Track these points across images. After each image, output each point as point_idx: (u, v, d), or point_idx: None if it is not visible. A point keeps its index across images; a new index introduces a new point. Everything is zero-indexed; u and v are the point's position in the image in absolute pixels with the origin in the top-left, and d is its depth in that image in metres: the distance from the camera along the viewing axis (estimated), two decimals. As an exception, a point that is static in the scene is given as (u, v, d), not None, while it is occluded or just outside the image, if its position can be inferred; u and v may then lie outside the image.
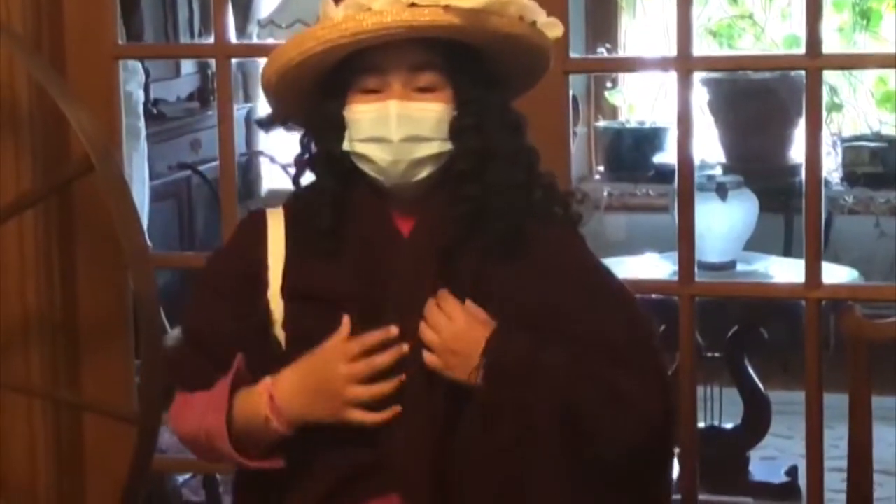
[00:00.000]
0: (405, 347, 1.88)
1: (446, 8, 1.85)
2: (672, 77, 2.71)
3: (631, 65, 4.26)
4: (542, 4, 1.94)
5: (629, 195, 5.71)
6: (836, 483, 2.65)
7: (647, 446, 1.88)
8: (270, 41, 4.24)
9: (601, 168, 5.78)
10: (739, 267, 4.30)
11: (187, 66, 6.32)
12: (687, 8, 2.63)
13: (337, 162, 1.95)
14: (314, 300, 1.94)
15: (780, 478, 4.25)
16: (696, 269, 2.74)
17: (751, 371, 4.30)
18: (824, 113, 2.96)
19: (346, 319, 1.89)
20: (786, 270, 4.24)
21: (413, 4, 1.85)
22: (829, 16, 5.30)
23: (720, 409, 4.31)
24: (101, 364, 2.96)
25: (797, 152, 4.97)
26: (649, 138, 5.49)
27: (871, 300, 3.16)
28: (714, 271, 4.18)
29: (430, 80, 1.91)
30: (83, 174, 2.63)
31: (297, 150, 2.02)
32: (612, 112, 6.18)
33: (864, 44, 5.66)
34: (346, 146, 1.93)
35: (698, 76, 4.24)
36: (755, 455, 4.36)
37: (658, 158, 5.37)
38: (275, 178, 6.22)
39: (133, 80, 4.28)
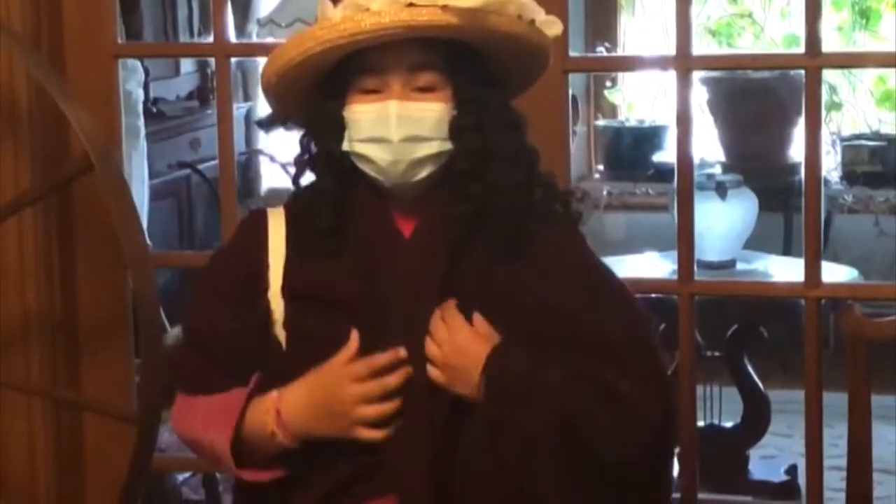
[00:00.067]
0: (411, 369, 1.88)
1: (444, 8, 1.85)
2: (671, 76, 2.71)
3: (630, 64, 4.26)
4: (541, 3, 1.94)
5: (629, 194, 5.72)
6: (835, 482, 2.65)
7: (648, 446, 1.88)
8: (270, 40, 4.24)
9: (601, 167, 5.78)
10: (739, 266, 4.30)
11: (187, 64, 6.32)
12: (686, 7, 2.63)
13: (337, 162, 1.95)
14: (315, 300, 1.94)
15: (779, 476, 4.25)
16: (695, 268, 2.74)
17: (750, 370, 4.31)
18: (824, 112, 2.97)
19: (354, 335, 1.89)
20: (785, 269, 4.24)
21: (411, 4, 1.85)
22: (828, 15, 5.31)
23: (720, 408, 4.31)
24: (101, 363, 2.96)
25: (796, 151, 4.97)
26: (649, 137, 5.49)
27: (870, 299, 3.17)
28: (713, 270, 4.18)
29: (429, 79, 1.90)
30: (83, 173, 2.63)
31: (296, 149, 2.02)
32: (612, 111, 6.19)
33: (864, 43, 5.67)
34: (345, 146, 1.93)
35: (697, 75, 4.24)
36: (755, 454, 4.36)
37: (657, 157, 5.37)
38: (274, 176, 6.22)
39: (132, 79, 4.28)
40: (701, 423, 3.96)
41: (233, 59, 2.95)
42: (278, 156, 5.82)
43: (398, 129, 1.88)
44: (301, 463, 1.93)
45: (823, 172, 2.84)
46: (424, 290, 1.90)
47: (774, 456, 4.51)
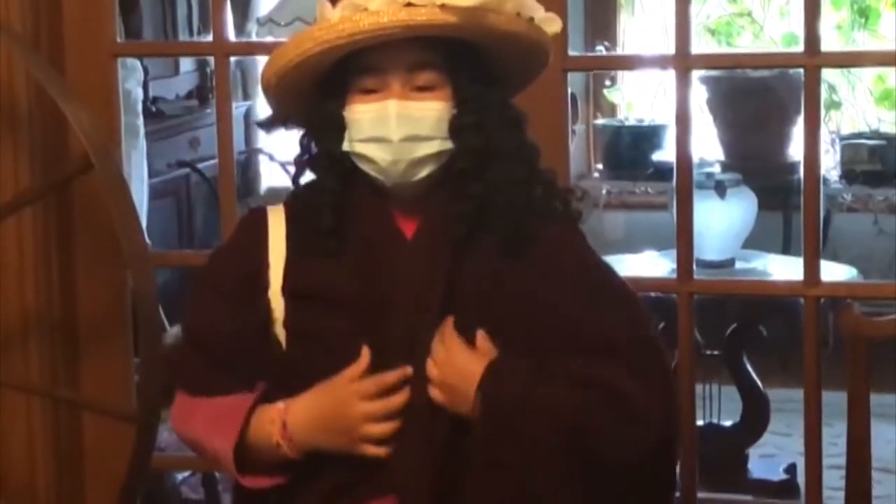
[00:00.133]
0: (411, 390, 1.89)
1: (443, 7, 1.84)
2: (671, 75, 2.71)
3: (629, 63, 4.27)
4: (541, 2, 1.94)
5: (628, 193, 5.72)
6: (834, 481, 2.65)
7: (653, 446, 1.87)
8: (269, 39, 4.24)
9: (600, 166, 5.78)
10: (738, 265, 4.30)
11: (186, 63, 6.32)
12: (685, 6, 2.63)
13: (337, 162, 1.94)
14: (315, 299, 1.94)
15: (778, 475, 4.26)
16: (694, 266, 2.74)
17: (749, 369, 4.31)
18: (823, 111, 2.97)
19: (365, 352, 1.89)
20: (784, 268, 4.24)
21: (409, 4, 1.84)
22: (827, 14, 5.31)
23: (719, 407, 4.31)
24: (100, 362, 2.96)
25: (796, 150, 4.97)
26: (648, 136, 5.49)
27: (869, 298, 3.16)
28: (713, 269, 4.18)
29: (428, 78, 1.90)
30: (82, 172, 2.63)
31: (296, 148, 2.02)
32: (611, 110, 6.19)
33: (863, 42, 5.67)
34: (345, 146, 1.93)
35: (697, 74, 4.24)
36: (754, 453, 4.36)
37: (657, 156, 5.38)
38: (274, 176, 6.22)
39: (132, 78, 4.28)
40: (700, 422, 3.97)
41: (232, 58, 2.95)
42: (278, 155, 5.83)
43: (398, 128, 1.88)
44: (303, 468, 1.93)
45: (822, 171, 2.84)
46: (427, 290, 1.90)
47: (774, 455, 4.51)
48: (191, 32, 6.27)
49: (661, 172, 5.09)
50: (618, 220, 5.72)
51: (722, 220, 4.25)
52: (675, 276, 2.76)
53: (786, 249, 5.04)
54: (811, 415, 2.66)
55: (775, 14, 5.83)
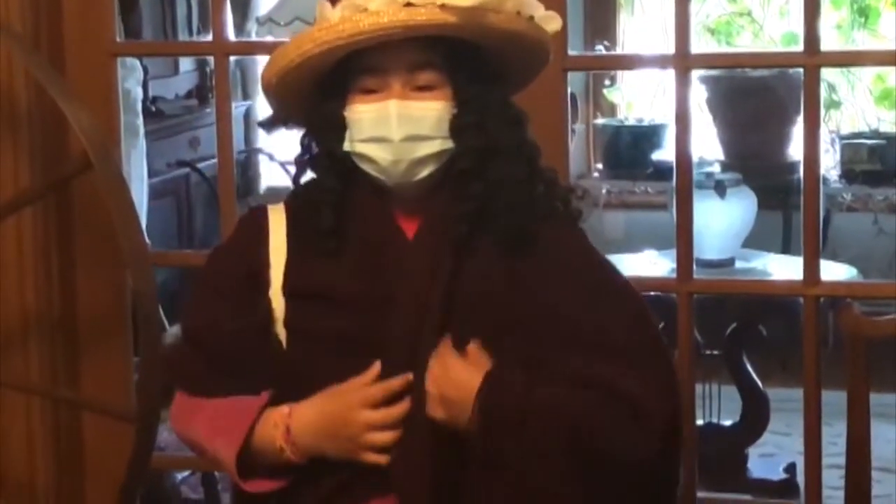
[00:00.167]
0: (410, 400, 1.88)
1: (443, 6, 1.84)
2: (670, 74, 2.71)
3: (629, 62, 4.26)
4: (541, 1, 1.94)
5: (628, 193, 5.72)
6: (834, 480, 2.65)
7: (657, 446, 1.86)
8: (269, 39, 4.24)
9: (600, 166, 5.78)
10: (738, 264, 4.30)
11: (186, 63, 6.32)
12: (685, 5, 2.63)
13: (338, 162, 1.94)
14: (316, 299, 1.94)
15: (778, 475, 4.26)
16: (694, 266, 2.74)
17: (749, 368, 4.31)
18: (822, 110, 2.97)
19: (376, 364, 1.88)
20: (784, 268, 4.24)
21: (409, 4, 1.84)
22: (827, 13, 5.31)
23: (718, 407, 4.31)
24: (100, 362, 2.96)
25: (795, 150, 4.97)
26: (648, 136, 5.49)
27: (869, 297, 3.16)
28: (712, 269, 4.18)
29: (429, 78, 1.90)
30: (82, 172, 2.63)
31: (296, 148, 2.02)
32: (611, 109, 6.19)
33: (863, 41, 5.67)
34: (346, 146, 1.92)
35: (696, 73, 4.24)
36: (754, 452, 4.36)
37: (656, 156, 5.37)
38: (273, 175, 6.23)
39: (131, 78, 4.28)
40: (700, 422, 3.97)
41: (232, 58, 2.95)
42: (277, 154, 5.83)
43: (399, 128, 1.88)
44: (304, 470, 1.93)
45: (822, 171, 2.84)
46: (429, 290, 1.90)
47: (773, 454, 4.51)
48: (190, 32, 6.27)
49: (661, 172, 5.08)
50: (617, 220, 5.71)
51: (722, 220, 4.25)
52: (674, 275, 2.76)
53: (785, 249, 5.04)
54: (811, 414, 2.66)
55: (775, 13, 5.83)
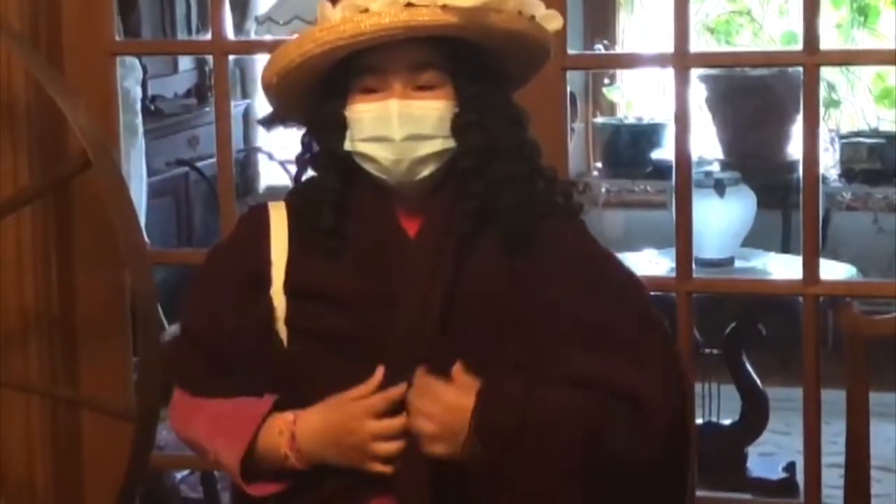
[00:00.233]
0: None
1: (444, 7, 1.84)
2: (670, 73, 2.71)
3: (629, 61, 4.26)
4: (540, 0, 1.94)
5: (627, 192, 5.72)
6: (833, 479, 2.64)
7: (661, 437, 1.84)
8: (268, 38, 4.24)
9: (599, 164, 5.77)
10: (737, 263, 4.30)
11: (185, 62, 6.32)
12: (684, 4, 2.63)
13: (339, 161, 1.94)
14: (317, 297, 1.94)
15: (777, 474, 4.25)
16: (693, 265, 2.74)
17: (749, 367, 4.30)
18: (822, 109, 2.97)
19: (379, 370, 1.87)
20: (784, 267, 4.24)
21: (410, 4, 1.84)
22: (826, 12, 5.31)
23: (718, 406, 4.31)
24: (99, 361, 2.96)
25: (795, 149, 4.97)
26: (647, 135, 5.49)
27: (868, 296, 3.17)
28: (712, 268, 4.18)
29: (430, 78, 1.90)
30: (81, 171, 2.63)
31: (295, 147, 2.02)
32: (610, 108, 6.19)
33: (862, 40, 5.67)
34: (347, 146, 1.92)
35: (696, 72, 4.23)
36: (753, 451, 4.36)
37: (656, 155, 5.37)
38: (273, 174, 6.22)
39: (131, 77, 4.29)
40: (699, 421, 3.97)
41: (231, 57, 2.94)
42: (276, 153, 5.83)
43: (400, 127, 1.88)
44: (305, 474, 1.92)
45: (822, 170, 2.84)
46: (431, 290, 1.89)
47: (773, 453, 4.51)
48: (189, 31, 6.27)
49: (661, 171, 5.08)
50: (617, 219, 5.71)
51: (721, 219, 4.24)
52: (674, 274, 2.76)
53: (785, 248, 5.04)
54: (810, 413, 2.66)
55: (774, 12, 5.83)
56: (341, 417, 1.88)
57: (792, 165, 4.82)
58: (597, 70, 5.90)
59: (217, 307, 1.99)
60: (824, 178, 4.92)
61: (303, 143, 2.01)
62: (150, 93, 5.77)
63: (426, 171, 1.91)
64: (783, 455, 4.42)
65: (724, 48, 5.72)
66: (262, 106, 6.26)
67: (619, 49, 6.09)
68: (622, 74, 6.07)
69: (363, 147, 1.91)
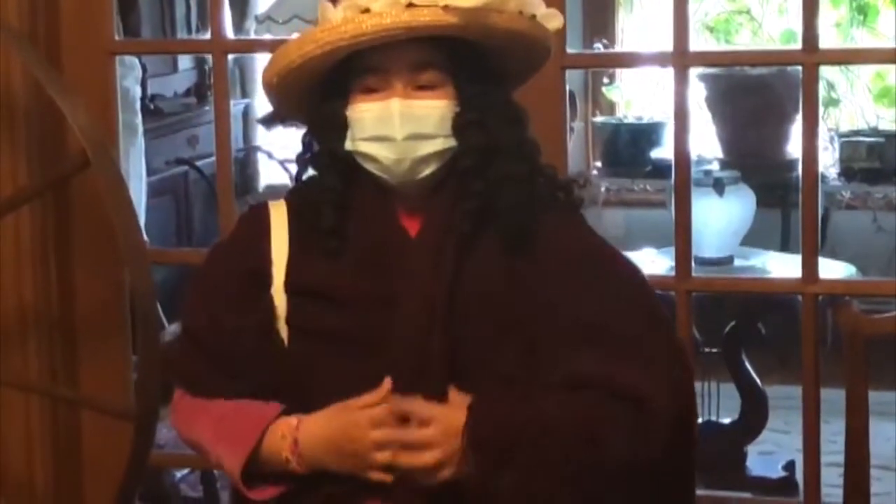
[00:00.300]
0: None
1: (445, 8, 1.84)
2: (669, 72, 2.71)
3: (628, 60, 4.26)
4: (540, -1, 1.94)
5: (626, 190, 5.72)
6: (833, 478, 2.64)
7: (663, 434, 1.84)
8: (267, 37, 4.24)
9: (598, 163, 5.78)
10: (736, 262, 4.30)
11: (184, 61, 6.32)
12: (684, 3, 2.63)
13: (339, 160, 1.94)
14: (318, 296, 1.94)
15: (777, 472, 4.25)
16: (693, 264, 2.74)
17: (748, 366, 4.30)
18: (821, 108, 2.97)
19: (387, 381, 1.86)
20: (783, 265, 4.24)
21: (411, 5, 1.85)
22: (826, 11, 5.30)
23: (717, 405, 4.31)
24: (99, 360, 2.96)
25: (794, 147, 4.97)
26: (646, 134, 5.49)
27: (868, 295, 3.17)
28: (711, 266, 4.18)
29: (431, 78, 1.90)
30: (80, 170, 2.63)
31: (294, 145, 2.02)
32: (610, 107, 6.19)
33: (862, 39, 5.67)
34: (349, 145, 1.92)
35: (695, 71, 4.24)
36: (753, 450, 4.36)
37: (655, 154, 5.37)
38: (272, 173, 6.22)
39: (130, 76, 4.29)
40: (699, 420, 3.96)
41: (230, 56, 2.94)
42: (276, 152, 5.83)
43: (401, 127, 1.88)
44: (305, 477, 1.92)
45: (821, 169, 2.84)
46: (432, 289, 1.89)
47: (772, 452, 4.51)
48: (189, 30, 6.27)
49: (660, 170, 5.08)
50: (616, 218, 5.71)
51: (720, 218, 4.24)
52: (673, 273, 2.75)
53: (784, 247, 5.04)
54: (810, 412, 2.66)
55: (774, 11, 5.83)
56: (344, 425, 1.88)
57: (791, 164, 4.82)
58: (596, 69, 5.91)
59: (217, 307, 1.99)
60: (823, 176, 4.93)
61: (303, 142, 2.01)
62: (149, 92, 5.77)
63: (427, 171, 1.91)
64: (783, 454, 4.42)
65: (723, 47, 5.72)
66: (261, 105, 6.27)
67: (618, 48, 6.09)
68: (621, 73, 6.07)
69: (364, 146, 1.91)
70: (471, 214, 1.91)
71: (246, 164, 6.34)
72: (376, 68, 1.90)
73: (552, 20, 1.94)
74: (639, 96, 6.03)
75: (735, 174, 4.43)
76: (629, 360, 1.86)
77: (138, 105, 4.52)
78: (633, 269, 1.99)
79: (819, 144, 2.66)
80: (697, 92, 5.08)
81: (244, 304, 1.97)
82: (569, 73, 2.74)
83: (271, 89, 1.98)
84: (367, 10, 1.86)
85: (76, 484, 3.01)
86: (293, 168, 2.05)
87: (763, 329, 4.29)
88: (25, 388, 2.89)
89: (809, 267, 2.65)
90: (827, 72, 5.21)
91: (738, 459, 4.26)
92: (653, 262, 4.25)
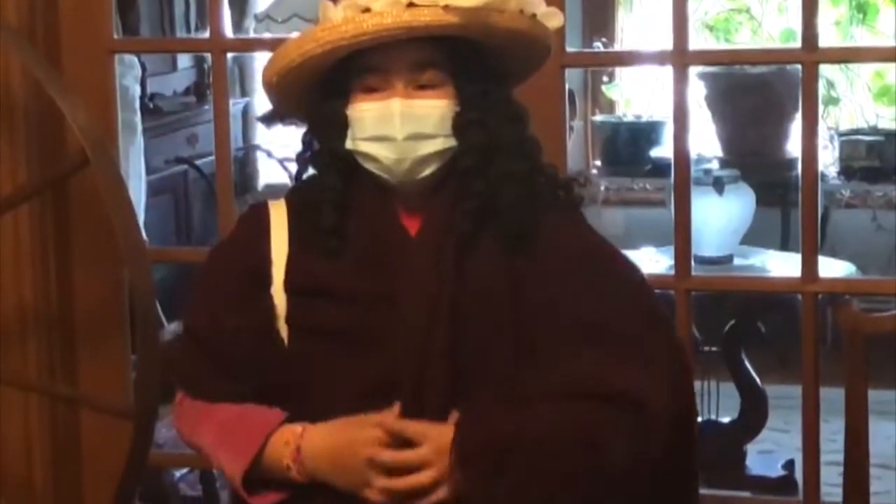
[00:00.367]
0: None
1: (446, 7, 1.84)
2: (669, 71, 2.71)
3: (627, 59, 4.27)
4: None
5: (626, 189, 5.72)
6: (832, 477, 2.64)
7: (661, 435, 1.83)
8: (267, 35, 4.24)
9: (598, 162, 5.78)
10: (736, 261, 4.30)
11: (184, 60, 6.33)
12: (683, 2, 2.63)
13: (339, 159, 1.94)
14: (318, 296, 1.94)
15: (776, 472, 4.25)
16: (692, 263, 2.74)
17: (748, 365, 4.30)
18: (821, 107, 2.97)
19: (396, 406, 1.86)
20: (783, 264, 4.24)
21: (412, 4, 1.84)
22: (825, 10, 5.30)
23: (717, 404, 4.31)
24: (98, 359, 2.96)
25: (794, 146, 4.97)
26: (646, 132, 5.49)
27: (867, 294, 3.17)
28: (711, 265, 4.18)
29: (431, 77, 1.90)
30: (79, 169, 2.63)
31: (294, 144, 2.02)
32: (609, 106, 6.19)
33: (861, 38, 5.67)
34: (349, 145, 1.92)
35: (695, 70, 4.23)
36: (752, 449, 4.36)
37: (655, 153, 5.37)
38: (271, 172, 6.22)
39: (129, 75, 4.29)
40: (698, 419, 3.96)
41: (229, 55, 2.94)
42: (275, 151, 5.83)
43: (402, 127, 1.88)
44: (304, 486, 1.91)
45: (821, 167, 2.84)
46: (434, 289, 1.89)
47: (772, 451, 4.51)
48: (188, 29, 6.27)
49: (660, 169, 5.08)
50: (616, 217, 5.71)
51: (720, 217, 4.24)
52: (673, 272, 2.75)
53: (784, 246, 5.05)
54: (809, 411, 2.66)
55: (773, 10, 5.83)
56: (348, 439, 1.87)
57: (791, 163, 4.83)
58: (596, 68, 5.90)
59: (217, 306, 1.99)
60: (823, 175, 4.93)
61: (303, 141, 2.01)
62: (148, 91, 5.77)
63: (427, 171, 1.91)
64: (782, 453, 4.42)
65: (723, 46, 5.72)
66: (260, 104, 6.27)
67: (617, 47, 6.09)
68: (621, 72, 6.07)
69: (365, 146, 1.91)
70: (471, 214, 1.91)
71: (245, 163, 6.35)
72: (377, 68, 1.89)
73: (552, 19, 1.94)
74: (638, 95, 6.03)
75: (735, 173, 4.43)
76: (629, 359, 1.86)
77: (137, 104, 4.52)
78: (632, 269, 1.99)
79: (819, 143, 2.66)
80: (697, 91, 5.08)
81: (244, 303, 1.97)
82: (568, 72, 2.73)
83: (271, 88, 1.98)
84: (367, 10, 1.86)
85: (75, 483, 3.01)
86: (292, 167, 2.05)
87: (763, 328, 4.29)
88: (24, 386, 2.89)
89: (809, 266, 2.65)
90: (826, 70, 5.21)
91: (738, 458, 4.26)
92: (652, 261, 4.25)
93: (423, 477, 1.83)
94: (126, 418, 2.66)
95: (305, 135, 2.01)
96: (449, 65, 1.90)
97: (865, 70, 5.70)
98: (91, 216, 2.88)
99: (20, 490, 2.93)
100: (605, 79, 6.09)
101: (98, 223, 2.81)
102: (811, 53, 2.60)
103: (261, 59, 2.01)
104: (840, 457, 2.38)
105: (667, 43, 2.69)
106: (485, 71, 1.93)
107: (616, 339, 1.88)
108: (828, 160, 5.16)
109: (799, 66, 2.65)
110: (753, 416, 4.29)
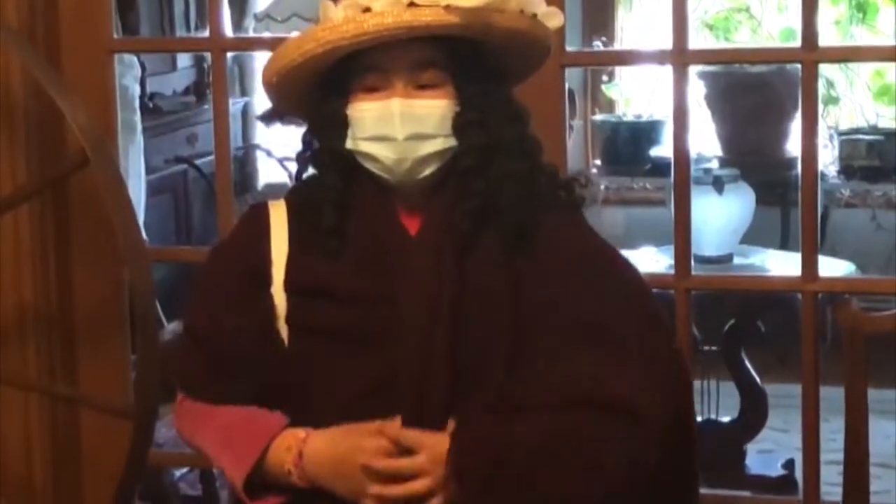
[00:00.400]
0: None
1: (447, 7, 1.84)
2: (668, 70, 2.71)
3: (627, 58, 4.27)
4: (539, -1, 1.94)
5: (626, 189, 5.71)
6: (832, 476, 2.64)
7: (657, 451, 1.83)
8: (266, 35, 4.24)
9: (598, 162, 5.77)
10: (736, 260, 4.30)
11: (183, 59, 6.32)
12: (683, 1, 2.63)
13: (340, 159, 1.94)
14: (318, 296, 1.94)
15: (776, 471, 4.25)
16: (692, 262, 2.74)
17: (748, 364, 4.30)
18: (821, 106, 2.97)
19: (397, 419, 1.86)
20: (782, 263, 4.24)
21: (412, 4, 1.84)
22: (825, 9, 5.30)
23: (717, 403, 4.31)
24: (98, 358, 2.96)
25: (794, 145, 4.96)
26: (646, 132, 5.49)
27: (867, 293, 3.17)
28: (711, 265, 4.18)
29: (431, 77, 1.90)
30: (79, 168, 2.63)
31: (293, 144, 2.02)
32: (609, 105, 6.19)
33: (861, 37, 5.66)
34: (349, 145, 1.92)
35: (694, 69, 4.23)
36: (752, 448, 4.35)
37: (655, 152, 5.37)
38: (271, 171, 6.22)
39: (129, 75, 4.28)
40: (698, 418, 3.96)
41: (229, 54, 2.94)
42: (275, 151, 5.83)
43: (402, 126, 1.88)
44: (305, 491, 1.91)
45: (821, 167, 2.84)
46: (433, 289, 1.89)
47: (772, 450, 4.51)
48: (188, 29, 6.27)
49: (659, 168, 5.08)
50: (616, 216, 5.71)
51: (720, 216, 4.24)
52: (672, 271, 2.75)
53: (784, 245, 5.04)
54: (809, 410, 2.66)
55: (773, 9, 5.83)
56: (350, 447, 1.87)
57: (791, 162, 4.82)
58: (595, 67, 5.90)
59: (217, 306, 1.99)
60: (823, 174, 4.92)
61: (303, 141, 2.01)
62: (148, 90, 5.77)
63: (428, 171, 1.91)
64: (782, 452, 4.42)
65: (722, 45, 5.71)
66: (260, 103, 6.27)
67: (617, 46, 6.09)
68: (621, 71, 6.07)
69: (365, 146, 1.91)
70: (471, 213, 1.91)
71: (245, 163, 6.34)
72: (377, 67, 1.90)
73: (553, 18, 1.94)
74: (638, 94, 6.02)
75: (734, 172, 4.42)
76: (628, 360, 1.86)
77: (137, 103, 4.52)
78: (632, 270, 1.99)
79: (818, 142, 2.66)
80: (697, 90, 5.08)
81: (244, 303, 1.97)
82: (568, 72, 2.74)
83: (271, 88, 1.98)
84: (368, 10, 1.86)
85: (75, 482, 3.01)
86: (292, 166, 2.05)
87: (762, 327, 4.28)
88: (24, 386, 2.89)
89: (809, 265, 2.65)
90: (826, 70, 5.21)
91: (738, 458, 4.26)
92: (652, 260, 4.25)
93: (417, 485, 1.83)
94: (126, 418, 2.66)
95: (305, 134, 2.01)
96: (449, 65, 1.91)
97: (865, 69, 5.69)
98: (91, 216, 2.88)
99: (20, 490, 2.93)
100: (604, 78, 6.09)
101: (98, 223, 2.81)
102: (811, 53, 2.60)
103: (260, 59, 2.01)
104: (840, 456, 2.38)
105: (666, 42, 2.69)
106: (485, 71, 1.93)
107: (615, 339, 1.88)
108: (827, 159, 5.16)
109: (799, 66, 2.65)
110: (753, 416, 4.29)
